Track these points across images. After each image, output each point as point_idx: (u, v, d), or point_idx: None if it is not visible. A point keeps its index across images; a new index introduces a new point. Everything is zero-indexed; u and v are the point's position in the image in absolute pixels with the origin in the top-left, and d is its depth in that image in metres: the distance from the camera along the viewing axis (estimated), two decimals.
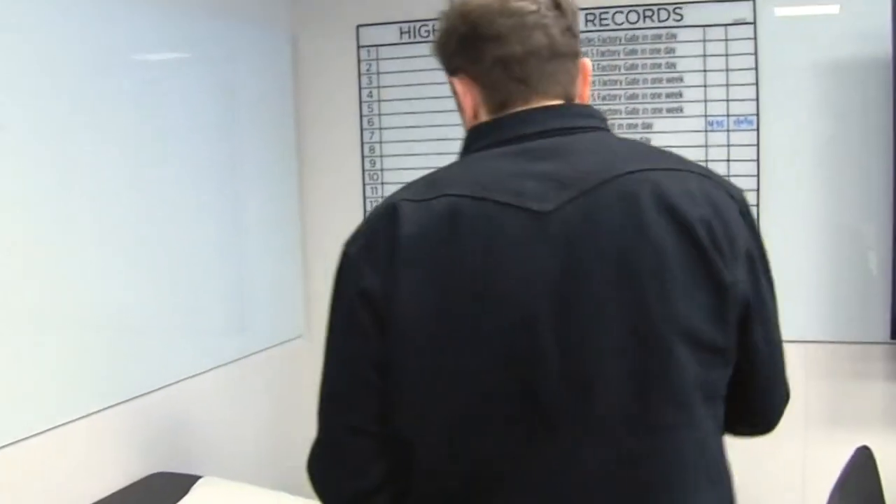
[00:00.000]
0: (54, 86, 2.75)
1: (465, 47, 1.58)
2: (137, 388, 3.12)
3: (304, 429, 4.28)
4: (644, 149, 1.58)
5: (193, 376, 3.45)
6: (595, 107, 1.64)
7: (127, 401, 3.07)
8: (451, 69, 1.63)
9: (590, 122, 1.57)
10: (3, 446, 2.56)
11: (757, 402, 1.60)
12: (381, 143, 4.30)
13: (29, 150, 2.65)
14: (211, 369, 3.58)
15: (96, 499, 2.91)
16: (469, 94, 1.59)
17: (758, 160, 3.90)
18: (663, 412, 1.42)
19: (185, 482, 3.12)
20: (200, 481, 3.11)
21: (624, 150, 1.54)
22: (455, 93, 1.63)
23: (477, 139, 1.57)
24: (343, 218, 4.34)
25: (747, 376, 1.54)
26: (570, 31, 1.58)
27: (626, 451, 1.41)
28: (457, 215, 1.43)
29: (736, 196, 1.53)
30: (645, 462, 1.43)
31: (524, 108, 1.55)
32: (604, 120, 1.60)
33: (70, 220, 2.80)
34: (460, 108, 1.65)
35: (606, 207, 1.42)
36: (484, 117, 1.58)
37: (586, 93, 1.64)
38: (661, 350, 1.40)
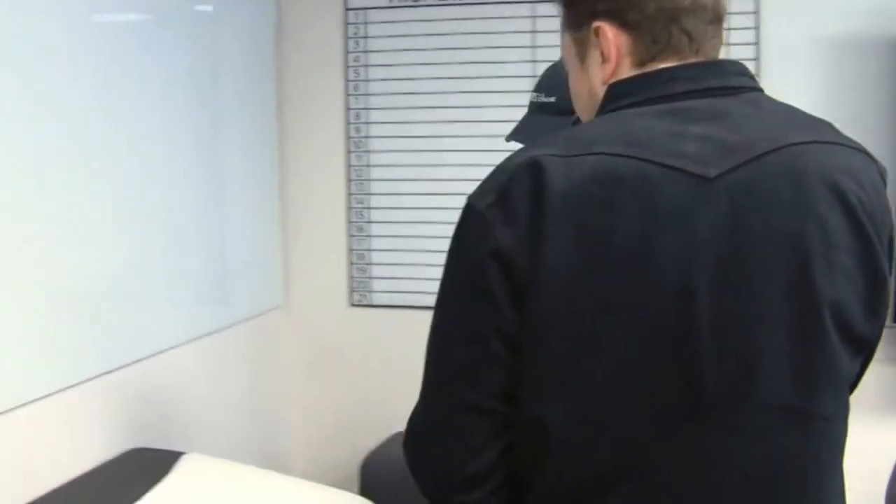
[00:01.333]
0: (34, 51, 2.62)
1: None
2: (114, 361, 3.01)
3: (285, 400, 4.24)
4: (801, 117, 1.45)
5: (172, 348, 3.34)
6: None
7: (103, 374, 2.95)
8: (593, 12, 1.46)
9: (745, 81, 1.45)
10: None
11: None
12: (367, 109, 4.16)
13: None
14: (191, 340, 3.47)
15: (73, 476, 2.81)
16: (615, 44, 1.44)
17: None
18: (823, 402, 1.34)
19: (167, 458, 3.01)
20: (184, 458, 3.00)
21: (782, 116, 1.42)
22: (580, 42, 1.49)
23: (623, 93, 1.42)
24: (325, 186, 4.28)
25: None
26: (723, 2, 1.48)
27: (782, 443, 1.32)
28: (611, 175, 1.31)
29: (883, 174, 1.44)
30: (799, 454, 1.34)
31: (681, 62, 1.43)
32: (754, 78, 1.47)
33: (44, 190, 2.67)
34: (576, 59, 1.51)
35: (774, 179, 1.32)
36: (626, 71, 1.44)
37: None
38: (823, 336, 1.32)
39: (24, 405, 2.61)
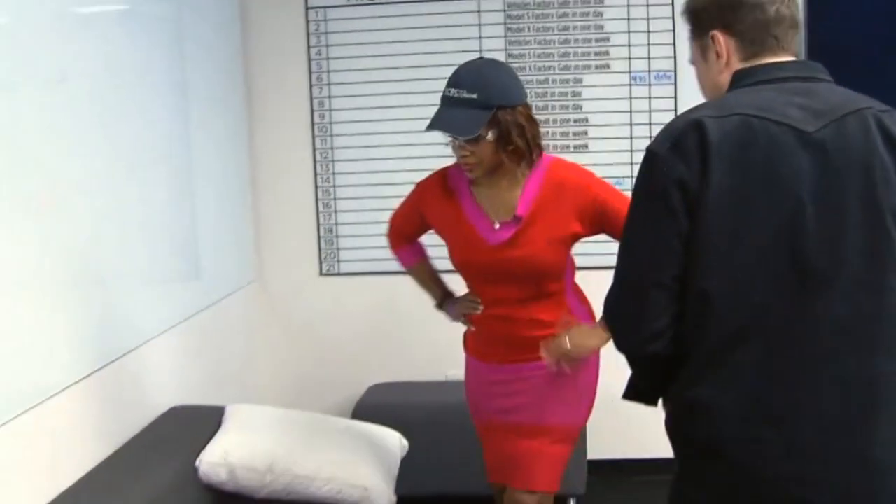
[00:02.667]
0: (6, 45, 2.62)
1: (725, 11, 2.10)
2: (110, 353, 3.19)
3: (266, 365, 4.68)
4: (858, 94, 2.08)
5: (157, 336, 3.56)
6: None
7: (106, 365, 3.15)
8: (710, 25, 2.13)
9: (822, 74, 2.11)
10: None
11: None
12: (329, 97, 4.62)
13: None
14: (176, 324, 3.72)
15: (131, 436, 3.24)
16: (725, 46, 2.11)
17: (675, 111, 4.41)
18: (886, 275, 1.97)
19: (208, 411, 3.51)
20: (229, 407, 3.47)
21: (847, 94, 2.08)
22: (703, 47, 2.16)
23: (745, 77, 2.08)
24: (292, 168, 4.77)
25: None
26: (797, 11, 2.14)
27: (864, 301, 1.96)
28: (746, 128, 1.96)
29: None
30: (875, 312, 1.97)
31: (775, 59, 2.09)
32: (826, 72, 2.12)
33: (24, 187, 2.69)
34: (701, 59, 2.18)
35: (849, 132, 1.98)
36: (735, 64, 2.11)
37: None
38: (884, 230, 1.97)
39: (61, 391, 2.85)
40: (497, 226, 3.00)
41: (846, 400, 1.95)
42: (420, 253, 3.38)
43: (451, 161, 3.12)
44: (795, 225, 1.94)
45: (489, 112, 2.88)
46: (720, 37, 2.10)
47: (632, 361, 2.16)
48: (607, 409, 4.46)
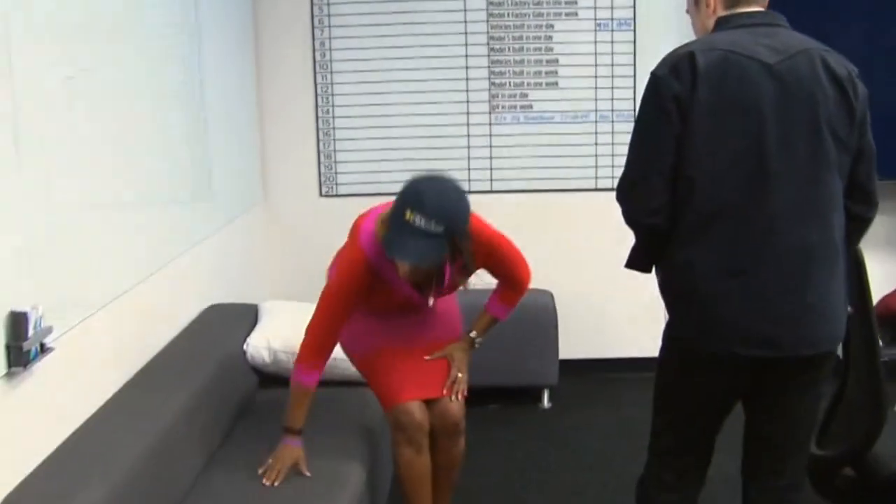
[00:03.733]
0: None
1: None
2: (156, 263, 3.54)
3: (270, 276, 5.26)
4: (808, 38, 2.66)
5: (188, 250, 3.95)
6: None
7: (153, 274, 3.49)
8: None
9: (783, 21, 2.70)
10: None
11: (862, 180, 2.69)
12: (330, 38, 5.21)
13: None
14: (199, 241, 4.10)
15: (181, 328, 3.80)
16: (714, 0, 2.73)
17: (634, 55, 5.14)
18: (821, 173, 2.59)
19: (242, 308, 4.10)
20: (263, 303, 4.07)
21: (800, 37, 2.66)
22: (697, 2, 2.77)
23: (725, 23, 2.68)
24: (295, 98, 5.43)
25: (857, 165, 2.67)
26: None
27: (807, 190, 2.59)
28: (725, 60, 2.56)
29: (852, 68, 2.66)
30: (813, 199, 2.59)
31: (748, 9, 2.68)
32: (786, 20, 2.71)
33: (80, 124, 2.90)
34: (694, 8, 2.79)
35: (800, 65, 2.58)
36: (721, 12, 2.70)
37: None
38: (823, 140, 2.57)
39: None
40: (431, 302, 3.35)
41: (790, 261, 2.58)
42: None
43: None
44: (760, 132, 2.55)
45: (449, 240, 3.03)
46: None
47: (637, 232, 2.74)
48: (578, 314, 5.23)
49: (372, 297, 3.24)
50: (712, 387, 2.72)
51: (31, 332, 2.43)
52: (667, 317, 2.78)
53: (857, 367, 2.92)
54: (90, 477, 2.50)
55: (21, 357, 2.41)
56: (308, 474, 3.11)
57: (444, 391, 3.40)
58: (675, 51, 2.66)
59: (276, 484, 3.04)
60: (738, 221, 2.58)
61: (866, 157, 2.69)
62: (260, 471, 3.09)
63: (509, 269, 3.50)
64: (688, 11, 2.85)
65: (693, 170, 2.58)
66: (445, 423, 3.38)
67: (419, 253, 3.00)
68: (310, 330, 3.20)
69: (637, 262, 2.84)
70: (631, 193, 2.69)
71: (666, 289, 2.75)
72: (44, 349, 2.52)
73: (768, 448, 2.80)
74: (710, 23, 2.72)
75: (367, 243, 3.18)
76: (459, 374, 3.45)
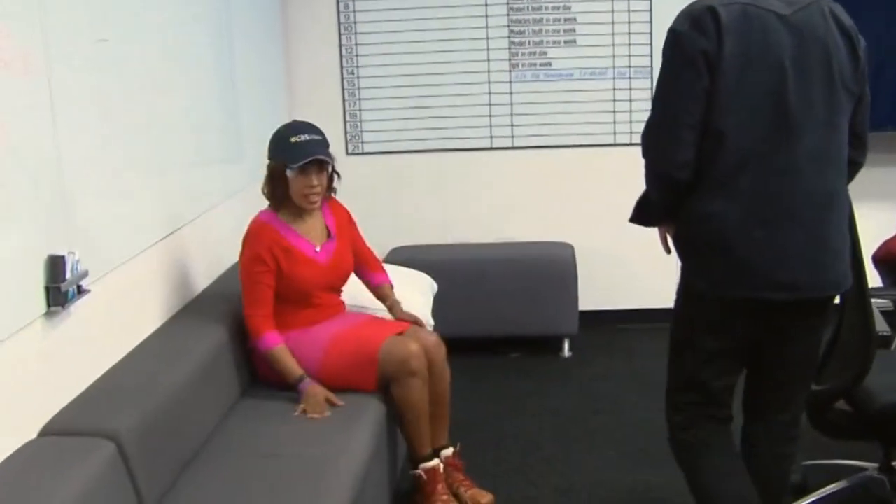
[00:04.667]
0: None
1: None
2: (186, 216, 3.77)
3: None
4: None
5: (216, 206, 4.18)
6: None
7: (183, 226, 3.71)
8: None
9: None
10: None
11: (859, 127, 2.79)
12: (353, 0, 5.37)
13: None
14: (229, 197, 4.32)
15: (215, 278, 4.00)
16: None
17: (650, 12, 5.27)
18: (837, 119, 2.69)
19: None
20: None
21: None
22: None
23: None
24: (322, 61, 5.60)
25: (855, 112, 2.76)
26: None
27: (824, 137, 2.67)
28: (745, 13, 2.62)
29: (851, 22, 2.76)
30: (830, 146, 2.69)
31: None
32: None
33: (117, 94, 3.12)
34: None
35: (813, 16, 2.66)
36: None
37: None
38: (835, 86, 2.66)
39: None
40: (318, 248, 3.60)
41: (812, 205, 2.67)
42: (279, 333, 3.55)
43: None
44: (781, 84, 2.62)
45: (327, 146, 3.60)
46: None
47: (660, 184, 2.78)
48: (597, 266, 5.38)
49: (283, 280, 3.49)
50: (736, 332, 2.78)
51: (68, 274, 2.62)
52: (682, 269, 2.87)
53: (850, 311, 3.06)
54: (123, 407, 2.69)
55: (59, 297, 2.60)
56: (341, 403, 3.35)
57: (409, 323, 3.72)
58: (691, 5, 2.71)
59: (326, 414, 3.31)
60: (764, 171, 2.65)
61: (864, 105, 2.79)
62: (297, 414, 3.31)
63: (364, 243, 3.88)
64: None
65: (722, 122, 2.63)
66: (428, 346, 3.53)
67: (319, 150, 3.51)
68: (249, 305, 3.47)
69: (645, 216, 2.93)
70: (660, 147, 2.74)
71: (688, 240, 2.81)
72: (80, 291, 2.71)
73: (776, 388, 2.91)
74: None
75: (264, 215, 3.59)
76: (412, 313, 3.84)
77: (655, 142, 2.76)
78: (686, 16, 2.68)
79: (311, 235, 3.59)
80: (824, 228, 2.69)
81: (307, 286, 3.54)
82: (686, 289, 2.86)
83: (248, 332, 3.46)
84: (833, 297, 2.82)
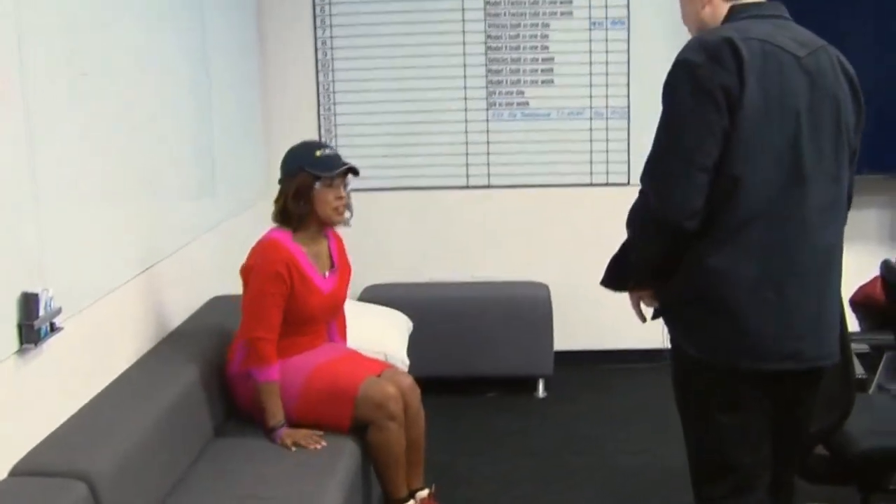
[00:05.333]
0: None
1: None
2: (159, 253, 3.69)
3: None
4: (813, 33, 2.57)
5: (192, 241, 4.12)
6: None
7: (156, 264, 3.63)
8: None
9: (786, 13, 2.58)
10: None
11: (850, 181, 2.61)
12: (331, 37, 5.38)
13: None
14: (204, 232, 4.27)
15: (190, 312, 3.94)
16: None
17: (627, 52, 5.27)
18: (841, 173, 2.53)
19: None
20: None
21: (807, 31, 2.56)
22: None
23: (741, 11, 2.53)
24: (298, 96, 5.57)
25: (850, 166, 2.60)
26: None
27: (830, 191, 2.51)
28: (763, 50, 2.41)
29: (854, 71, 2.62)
30: (834, 200, 2.53)
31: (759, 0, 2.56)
32: (786, 10, 2.59)
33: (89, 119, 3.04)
34: (686, 3, 2.64)
35: (823, 61, 2.50)
36: (720, 3, 2.56)
37: None
38: (843, 138, 2.52)
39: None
40: (326, 275, 3.57)
41: (816, 263, 2.50)
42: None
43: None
44: (797, 131, 2.43)
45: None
46: None
47: (662, 234, 2.48)
48: (572, 307, 5.36)
49: (292, 304, 3.42)
50: (746, 401, 2.54)
51: (41, 311, 2.58)
52: (673, 334, 2.62)
53: None
54: (96, 447, 2.63)
55: (32, 335, 2.55)
56: (324, 443, 3.31)
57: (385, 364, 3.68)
58: (702, 37, 2.49)
59: (323, 443, 3.30)
60: (774, 225, 2.44)
61: (855, 160, 2.63)
62: (293, 450, 3.29)
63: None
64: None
65: (739, 168, 2.39)
66: (404, 389, 3.49)
67: (344, 162, 3.52)
68: (259, 327, 3.39)
69: (623, 277, 2.70)
70: (668, 191, 2.44)
71: (686, 299, 2.55)
72: (53, 328, 2.66)
73: (784, 448, 2.69)
74: (706, 12, 2.58)
75: (278, 233, 3.50)
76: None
77: (662, 185, 2.46)
78: (699, 47, 2.44)
79: (319, 262, 3.55)
80: (826, 288, 2.53)
81: (311, 313, 3.50)
82: (680, 357, 2.61)
83: (254, 356, 3.37)
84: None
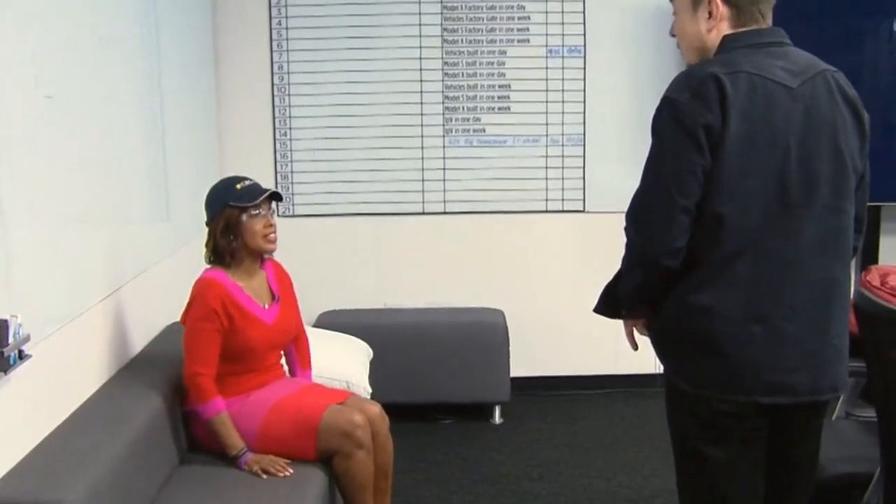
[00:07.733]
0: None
1: None
2: (118, 281, 3.60)
3: None
4: (813, 56, 2.53)
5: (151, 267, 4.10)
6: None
7: (114, 292, 3.54)
8: None
9: (787, 39, 2.53)
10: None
11: (858, 208, 2.55)
12: (288, 62, 5.36)
13: None
14: (160, 260, 4.21)
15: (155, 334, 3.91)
16: (720, 11, 2.49)
17: (584, 80, 5.30)
18: (843, 203, 2.47)
19: None
20: None
21: (808, 57, 2.52)
22: (696, 6, 2.52)
23: (735, 41, 2.47)
24: (254, 122, 5.55)
25: (858, 191, 2.53)
26: None
27: (828, 223, 2.45)
28: (751, 84, 2.37)
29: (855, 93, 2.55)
30: (834, 232, 2.47)
31: (759, 26, 2.50)
32: (787, 37, 2.53)
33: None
34: (690, 9, 2.54)
35: (819, 89, 2.44)
36: (725, 29, 2.50)
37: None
38: (844, 167, 2.45)
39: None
40: (266, 307, 3.54)
41: (813, 298, 2.45)
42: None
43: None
44: (785, 164, 2.39)
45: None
46: (719, 2, 2.49)
47: (647, 271, 2.50)
48: (528, 332, 5.38)
49: (232, 339, 3.40)
50: (736, 436, 2.52)
51: (10, 339, 2.52)
52: (665, 369, 2.63)
53: None
54: (66, 475, 2.59)
55: (1, 363, 2.49)
56: (291, 471, 3.29)
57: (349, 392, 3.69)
58: (689, 71, 2.48)
59: (289, 471, 3.27)
60: (762, 260, 2.42)
61: (865, 184, 2.58)
62: (264, 477, 3.27)
63: (300, 317, 3.78)
64: (675, 12, 2.62)
65: (723, 207, 2.38)
66: (372, 417, 3.47)
67: (266, 189, 3.53)
68: (195, 363, 3.35)
69: (614, 306, 2.70)
70: (651, 230, 2.45)
71: (674, 336, 2.56)
72: (22, 356, 2.61)
73: (781, 492, 2.66)
74: (712, 36, 2.52)
75: (213, 272, 3.48)
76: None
77: (645, 225, 2.47)
78: (684, 83, 2.42)
79: (258, 296, 3.52)
80: (828, 322, 2.48)
81: (255, 346, 3.46)
82: (672, 391, 2.61)
83: (192, 394, 3.36)
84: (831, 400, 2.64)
